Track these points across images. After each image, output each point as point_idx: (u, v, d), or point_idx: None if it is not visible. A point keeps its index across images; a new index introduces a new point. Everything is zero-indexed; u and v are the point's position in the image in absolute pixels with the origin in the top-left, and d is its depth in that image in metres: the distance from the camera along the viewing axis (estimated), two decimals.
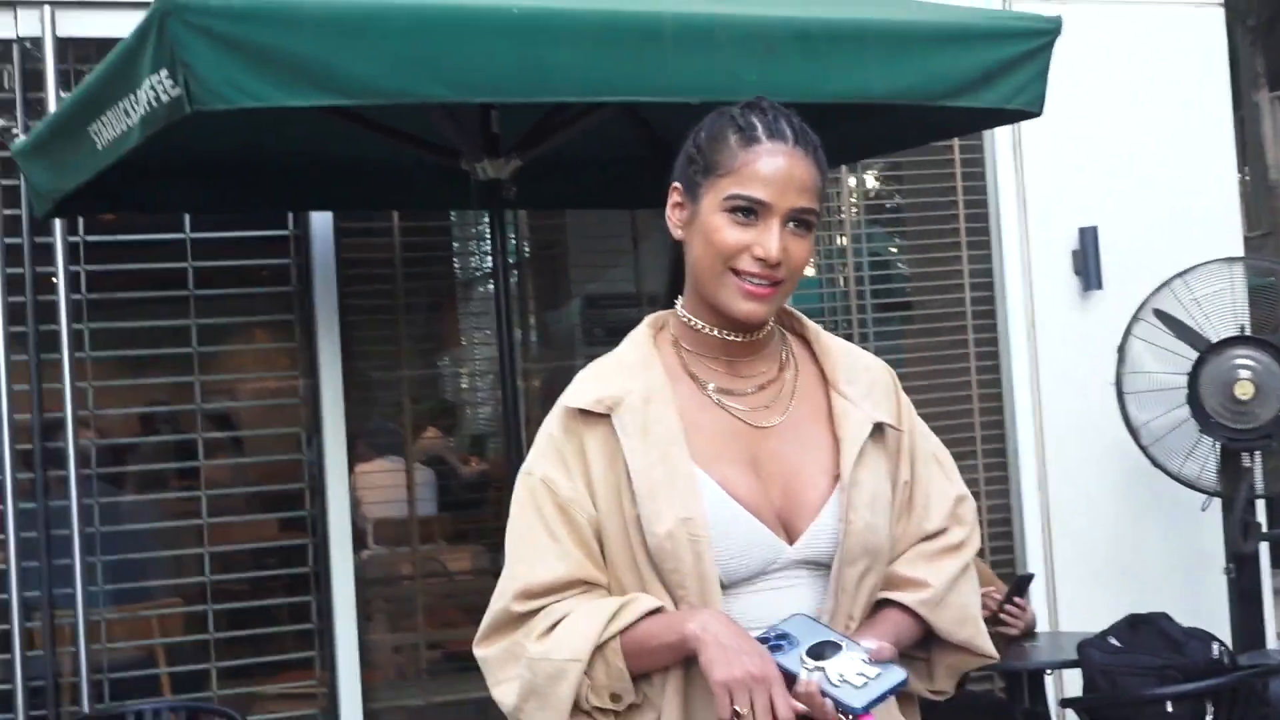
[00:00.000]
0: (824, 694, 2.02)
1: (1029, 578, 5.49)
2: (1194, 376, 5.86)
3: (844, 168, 6.25)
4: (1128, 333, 5.98)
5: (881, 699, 2.04)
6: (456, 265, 6.89)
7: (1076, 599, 6.24)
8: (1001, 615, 5.30)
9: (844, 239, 6.45)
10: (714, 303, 2.21)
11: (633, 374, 2.23)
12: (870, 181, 6.99)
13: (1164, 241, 6.38)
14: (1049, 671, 5.51)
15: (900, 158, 6.46)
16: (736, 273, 2.17)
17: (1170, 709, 4.50)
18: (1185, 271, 5.97)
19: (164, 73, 3.24)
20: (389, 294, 5.91)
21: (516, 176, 4.40)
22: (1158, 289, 5.98)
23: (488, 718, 6.42)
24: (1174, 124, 6.53)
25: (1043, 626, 5.78)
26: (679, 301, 2.30)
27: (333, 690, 5.54)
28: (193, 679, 5.55)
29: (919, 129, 4.78)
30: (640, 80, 3.57)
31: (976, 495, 6.27)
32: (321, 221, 5.57)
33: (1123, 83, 6.43)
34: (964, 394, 6.39)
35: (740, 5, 3.79)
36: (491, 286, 4.79)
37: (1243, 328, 6.08)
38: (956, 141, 6.29)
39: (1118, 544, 6.39)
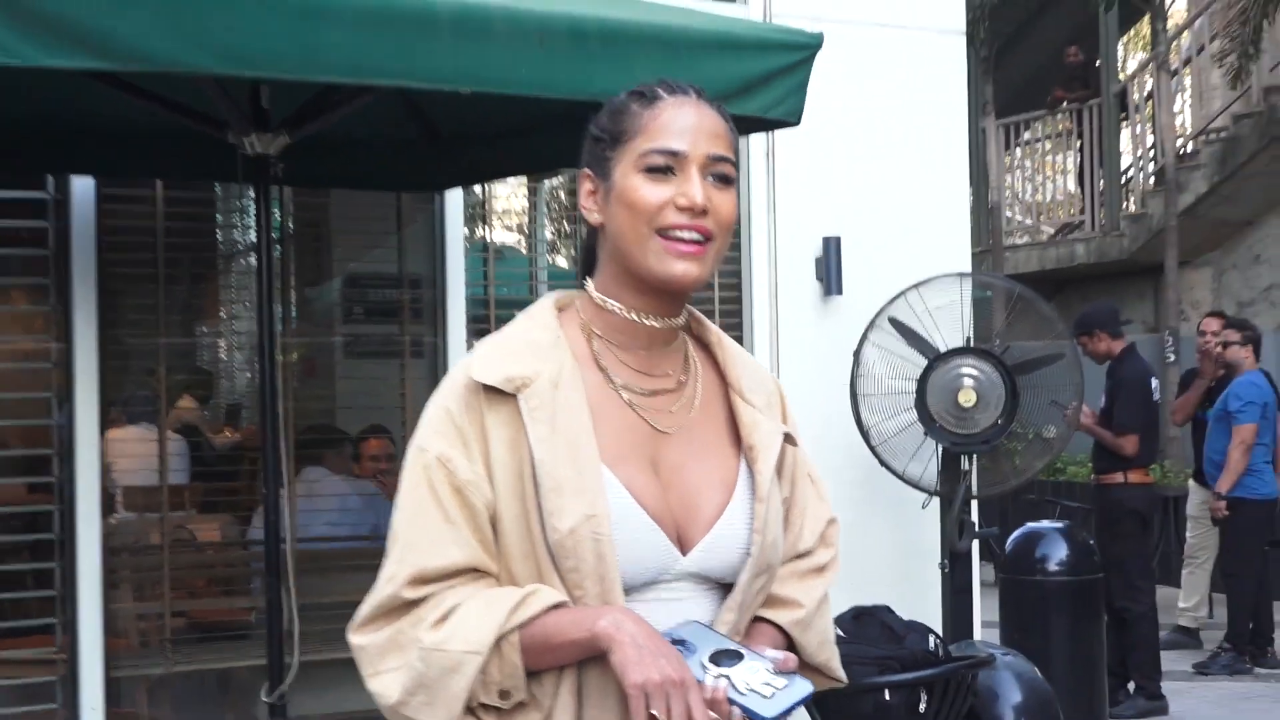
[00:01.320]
0: (731, 702, 1.86)
1: None
2: (922, 383, 5.94)
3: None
4: (864, 339, 6.04)
5: (790, 710, 1.87)
6: (219, 238, 6.65)
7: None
8: None
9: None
10: (641, 272, 1.99)
11: (541, 355, 1.99)
12: None
13: (901, 253, 6.46)
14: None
15: None
16: (663, 234, 1.96)
17: (888, 697, 4.54)
18: (920, 284, 6.04)
19: None
20: (150, 263, 5.65)
21: (284, 153, 4.20)
22: (894, 298, 6.04)
23: (229, 688, 6.26)
24: (915, 144, 6.61)
25: None
26: (589, 283, 2.08)
27: (73, 657, 5.26)
28: None
29: None
30: (413, 66, 3.42)
31: None
32: (83, 186, 5.27)
33: (870, 101, 6.48)
34: None
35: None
36: (254, 260, 4.60)
37: (968, 339, 6.20)
38: None
39: (845, 538, 6.39)
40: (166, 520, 5.88)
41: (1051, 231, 17.01)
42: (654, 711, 1.82)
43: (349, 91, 4.02)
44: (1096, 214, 15.78)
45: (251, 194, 4.53)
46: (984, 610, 6.63)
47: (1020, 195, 17.88)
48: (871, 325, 6.04)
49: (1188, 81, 16.70)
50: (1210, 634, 9.70)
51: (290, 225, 6.32)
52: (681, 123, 1.98)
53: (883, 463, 6.02)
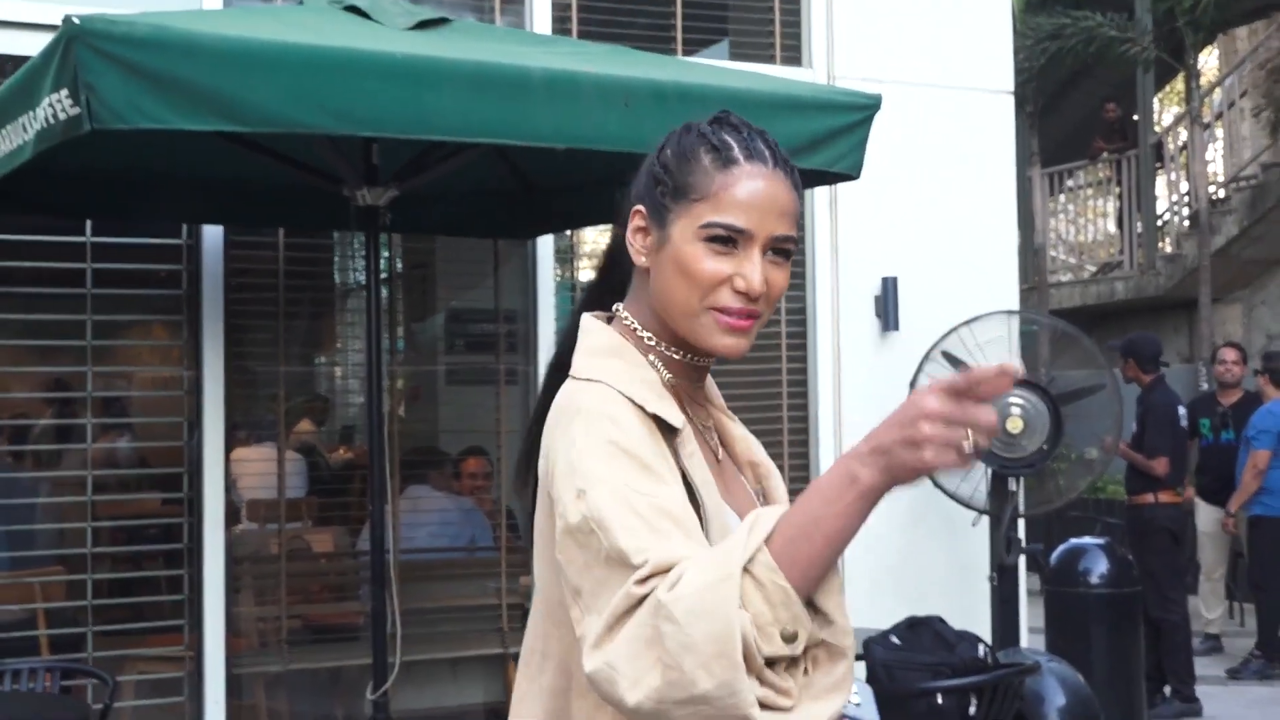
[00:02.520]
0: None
1: None
2: None
3: None
4: (919, 370, 5.99)
5: None
6: (334, 278, 6.71)
7: (864, 602, 6.22)
8: None
9: None
10: (687, 337, 1.76)
11: (663, 396, 1.74)
12: None
13: (954, 292, 6.41)
14: None
15: None
16: (712, 309, 1.73)
17: (940, 701, 4.49)
18: (971, 320, 5.99)
19: (64, 92, 3.04)
20: (272, 301, 5.70)
21: (392, 204, 4.24)
22: (946, 334, 5.99)
23: (338, 685, 6.30)
24: (967, 192, 6.56)
25: None
26: (627, 317, 1.82)
27: (199, 655, 5.31)
28: (70, 642, 5.30)
29: None
30: (510, 125, 3.45)
31: None
32: (213, 233, 5.35)
33: (926, 154, 6.44)
34: (775, 416, 6.34)
35: (602, 64, 3.69)
36: (365, 299, 4.64)
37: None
38: None
39: (902, 554, 6.39)
40: (284, 531, 5.92)
41: (1093, 270, 16.83)
42: (961, 445, 1.52)
43: (450, 149, 4.05)
44: (1135, 254, 15.59)
45: (363, 240, 4.57)
46: (1030, 619, 6.55)
47: (1064, 237, 17.71)
48: (926, 358, 5.99)
49: (1219, 133, 16.48)
50: (1242, 642, 9.54)
51: (397, 267, 6.38)
52: (752, 197, 1.71)
53: (936, 484, 5.97)
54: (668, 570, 1.50)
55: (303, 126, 3.30)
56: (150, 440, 5.82)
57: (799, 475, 6.33)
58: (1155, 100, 17.61)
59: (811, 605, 1.54)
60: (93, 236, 5.28)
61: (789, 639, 1.49)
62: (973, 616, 5.85)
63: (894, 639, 4.70)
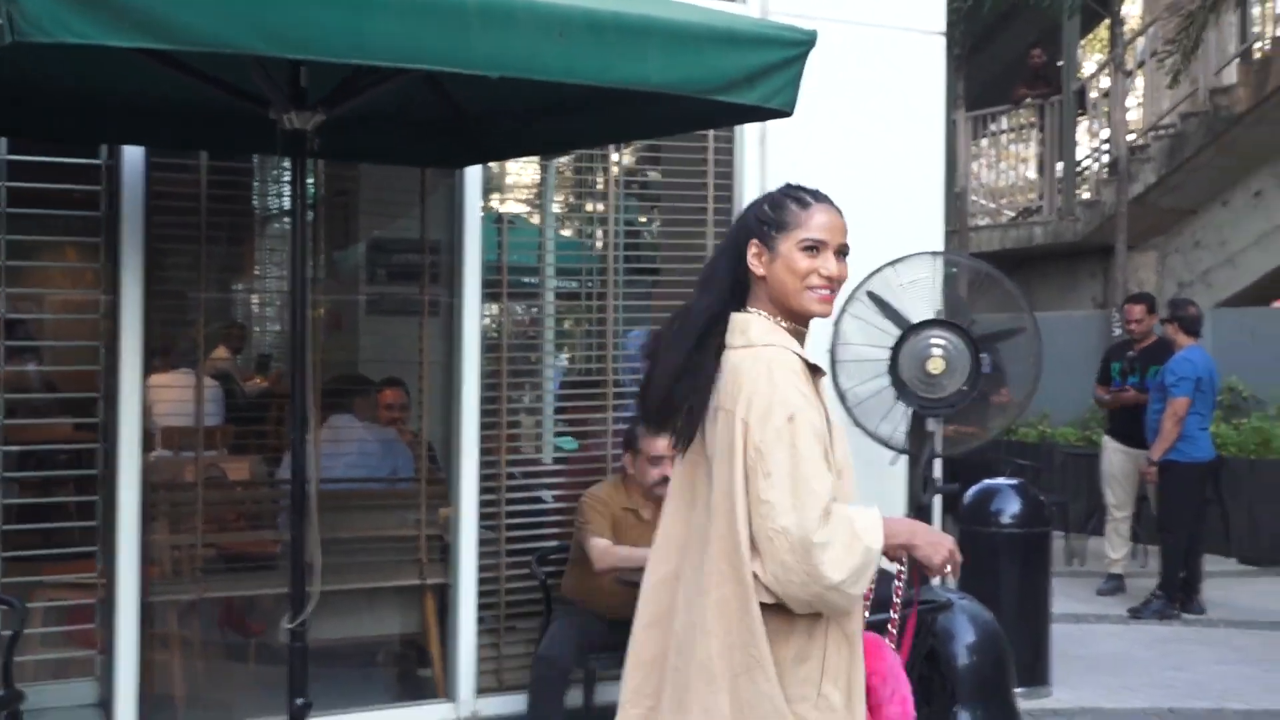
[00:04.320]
0: None
1: None
2: (895, 351, 5.94)
3: (610, 146, 6.14)
4: (843, 311, 6.02)
5: None
6: (256, 204, 6.61)
7: None
8: None
9: (603, 207, 6.35)
10: (796, 309, 2.96)
11: (803, 352, 2.97)
12: (630, 159, 6.89)
13: (880, 233, 6.44)
14: None
15: (661, 140, 6.37)
16: (810, 288, 2.94)
17: None
18: (896, 261, 6.03)
19: None
20: (194, 225, 5.61)
21: (320, 129, 4.17)
22: (872, 274, 6.03)
23: (255, 612, 6.27)
24: (896, 132, 6.59)
25: None
26: (761, 312, 2.98)
27: (112, 582, 5.25)
28: None
29: (686, 118, 4.67)
30: (444, 52, 3.39)
31: None
32: (133, 155, 5.24)
33: (856, 93, 6.44)
34: None
35: None
36: (288, 224, 4.57)
37: (939, 312, 6.19)
38: (711, 131, 6.23)
39: None
40: (201, 459, 5.87)
41: (1012, 215, 16.99)
42: (951, 560, 2.96)
43: (381, 74, 3.99)
44: (1054, 200, 15.77)
45: (288, 165, 4.50)
46: None
47: (984, 181, 17.85)
48: (851, 298, 6.03)
49: (1140, 82, 16.65)
50: (1144, 582, 9.77)
51: (321, 193, 6.29)
52: (825, 222, 2.96)
53: (857, 423, 6.02)
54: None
55: (232, 46, 3.22)
56: (64, 364, 5.71)
57: None
58: (1079, 48, 17.74)
59: None
60: (8, 155, 5.16)
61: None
62: None
63: None
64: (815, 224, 2.94)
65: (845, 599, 2.78)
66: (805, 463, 2.76)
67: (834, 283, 2.95)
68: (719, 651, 2.81)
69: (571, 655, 5.30)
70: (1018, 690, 6.06)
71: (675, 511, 3.06)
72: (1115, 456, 9.66)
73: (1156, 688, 7.12)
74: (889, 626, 3.21)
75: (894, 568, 3.16)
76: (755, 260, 2.96)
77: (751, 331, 2.93)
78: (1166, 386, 8.85)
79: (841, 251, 2.96)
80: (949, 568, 2.95)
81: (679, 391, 2.93)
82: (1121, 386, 9.46)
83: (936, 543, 2.97)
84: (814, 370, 2.93)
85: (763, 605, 2.78)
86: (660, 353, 2.99)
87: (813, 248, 2.92)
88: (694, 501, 2.98)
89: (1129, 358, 9.46)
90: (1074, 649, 7.90)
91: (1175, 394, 8.77)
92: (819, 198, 2.99)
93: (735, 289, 2.99)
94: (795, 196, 3.00)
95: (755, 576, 2.78)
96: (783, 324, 2.95)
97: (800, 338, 3.00)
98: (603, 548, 5.31)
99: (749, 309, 2.97)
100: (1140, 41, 16.08)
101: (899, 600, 3.22)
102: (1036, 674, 6.85)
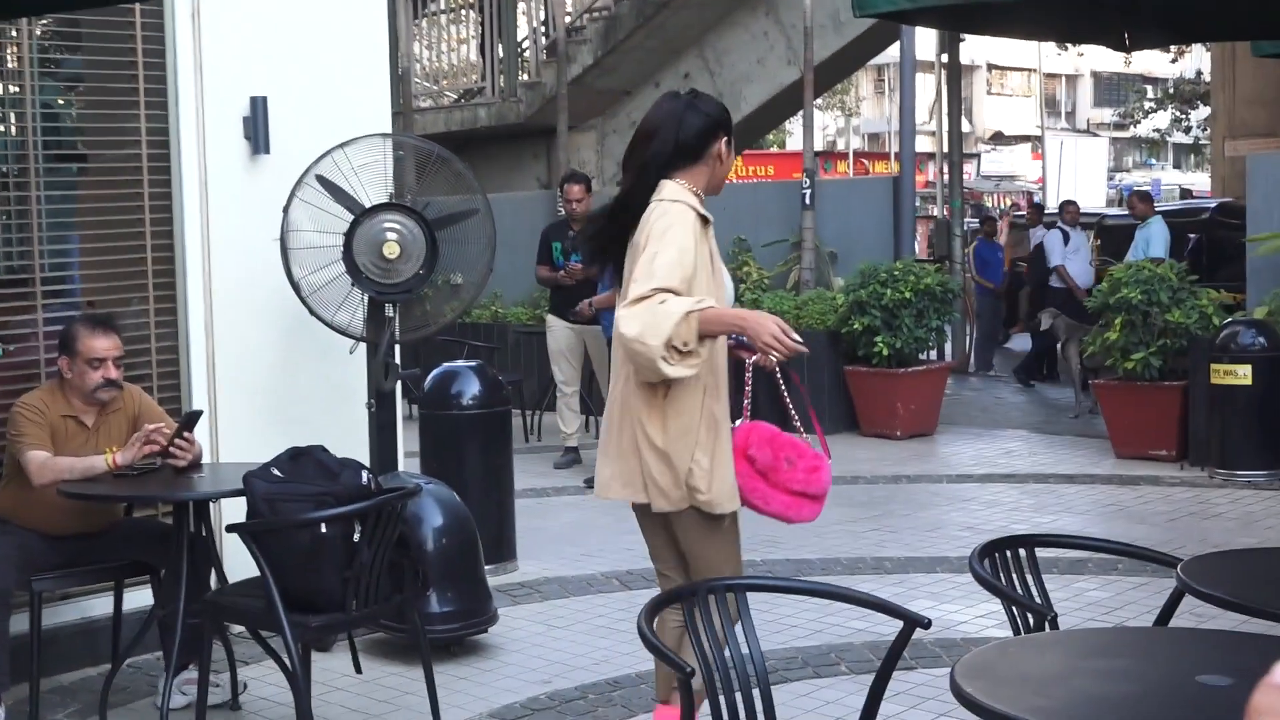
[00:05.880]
0: None
1: (196, 414, 5.29)
2: (349, 237, 5.82)
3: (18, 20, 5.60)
4: (292, 196, 5.82)
5: None
6: None
7: (244, 435, 6.08)
8: (171, 449, 5.07)
9: (18, 89, 5.81)
10: (711, 191, 4.04)
11: (701, 209, 3.97)
12: (44, 36, 6.32)
13: (326, 114, 6.28)
14: (214, 500, 5.34)
15: (81, 15, 5.88)
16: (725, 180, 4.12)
17: (324, 530, 4.49)
18: (345, 144, 5.88)
19: None
20: None
21: None
22: (320, 157, 5.85)
23: None
24: (337, 10, 6.42)
25: (208, 459, 5.57)
26: (684, 181, 3.96)
27: None
28: None
29: None
30: None
31: (147, 339, 5.93)
32: None
33: None
34: (138, 244, 5.98)
35: None
36: None
37: (391, 195, 6.11)
38: (138, 5, 5.81)
39: (280, 385, 6.29)
40: None
41: (455, 97, 17.11)
42: (781, 338, 3.66)
43: None
44: (496, 82, 15.99)
45: None
46: (405, 443, 6.67)
47: (425, 63, 17.84)
48: (300, 183, 5.83)
49: None
50: (595, 454, 10.22)
51: None
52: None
53: (313, 312, 5.88)
54: (669, 292, 3.67)
55: None
56: None
57: (165, 308, 6.05)
58: None
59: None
60: None
61: (684, 345, 3.65)
62: (352, 444, 5.88)
63: (275, 471, 4.63)
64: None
65: (644, 352, 3.61)
66: (662, 255, 3.72)
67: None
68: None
69: (13, 579, 4.91)
70: (487, 567, 6.20)
71: None
72: (561, 334, 9.97)
73: (615, 552, 7.49)
74: (744, 405, 4.08)
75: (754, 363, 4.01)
76: (722, 150, 3.99)
77: (668, 191, 3.91)
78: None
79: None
80: (781, 343, 3.64)
81: (602, 230, 4.14)
82: (564, 265, 9.73)
83: (760, 320, 3.67)
84: (705, 220, 3.91)
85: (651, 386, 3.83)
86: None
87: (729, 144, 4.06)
88: None
89: (570, 236, 9.73)
90: (536, 522, 8.19)
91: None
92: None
93: (679, 153, 3.94)
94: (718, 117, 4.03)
95: None
96: (695, 191, 3.94)
97: (701, 202, 3.96)
98: (41, 460, 4.93)
99: (674, 178, 3.92)
100: None
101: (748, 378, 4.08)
102: (503, 550, 7.04)
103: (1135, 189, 18.86)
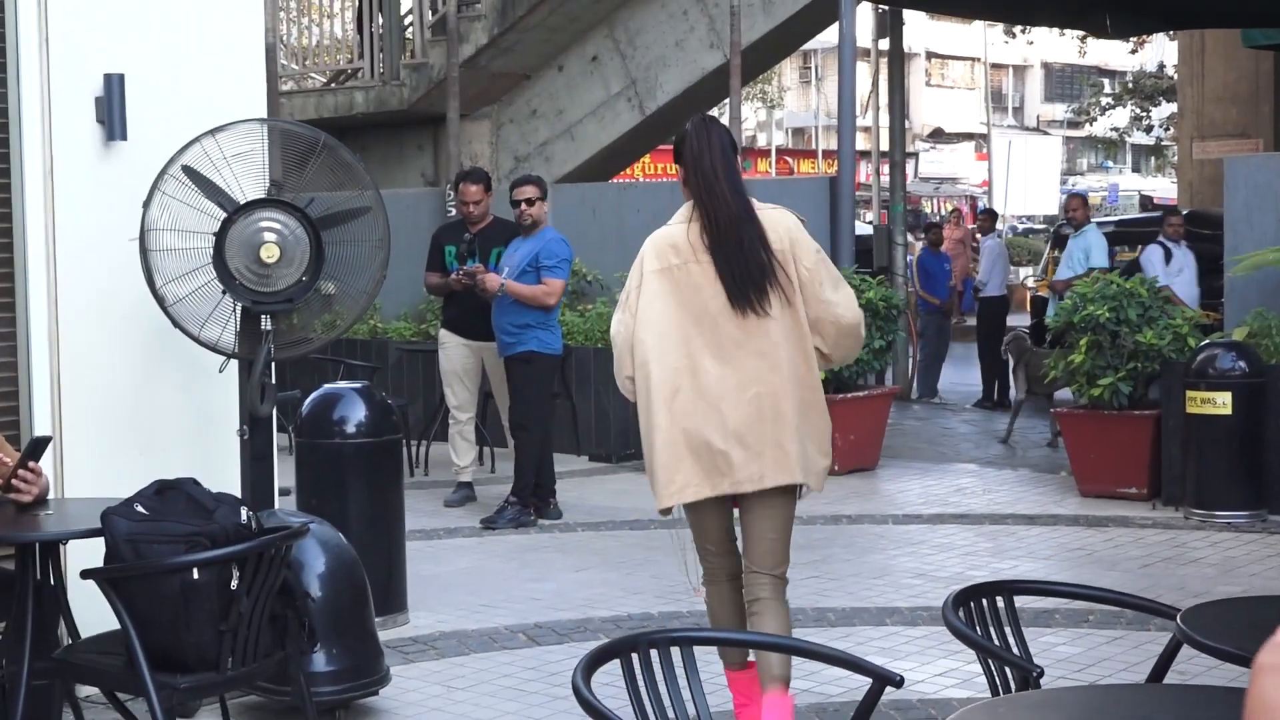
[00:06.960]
0: None
1: (44, 441, 5.20)
2: (221, 238, 5.76)
3: None
4: (154, 189, 5.76)
5: None
6: None
7: (100, 465, 6.00)
8: (14, 482, 4.99)
9: None
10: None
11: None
12: None
13: (193, 95, 6.22)
14: (65, 541, 5.26)
15: None
16: None
17: (197, 576, 4.44)
18: (216, 130, 5.82)
19: None
20: None
21: None
22: (188, 145, 5.79)
23: None
24: None
25: (54, 494, 5.48)
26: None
27: None
28: None
29: None
30: None
31: None
32: None
33: None
34: None
35: None
36: None
37: (270, 190, 6.07)
38: None
39: (139, 408, 6.21)
40: None
41: (324, 80, 17.02)
42: None
43: None
44: (376, 62, 15.91)
45: None
46: (279, 477, 6.61)
47: (286, 39, 17.72)
48: (163, 175, 5.76)
49: None
50: (495, 489, 10.23)
51: None
52: None
53: (177, 325, 5.81)
54: None
55: None
56: None
57: (2, 312, 5.96)
58: None
59: None
60: None
61: None
62: (223, 476, 5.83)
63: (139, 508, 4.58)
64: None
65: (863, 336, 5.22)
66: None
67: None
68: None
69: None
70: (376, 619, 6.16)
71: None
72: (455, 352, 9.94)
73: (519, 602, 7.49)
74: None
75: None
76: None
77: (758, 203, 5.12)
78: (544, 269, 9.19)
79: None
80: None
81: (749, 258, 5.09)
82: (459, 269, 9.67)
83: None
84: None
85: None
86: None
87: None
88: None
89: (466, 240, 9.70)
90: (428, 568, 8.16)
91: (556, 276, 9.20)
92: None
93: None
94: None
95: None
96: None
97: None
98: None
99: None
100: None
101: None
102: (393, 600, 6.99)
103: (1073, 191, 19.09)
